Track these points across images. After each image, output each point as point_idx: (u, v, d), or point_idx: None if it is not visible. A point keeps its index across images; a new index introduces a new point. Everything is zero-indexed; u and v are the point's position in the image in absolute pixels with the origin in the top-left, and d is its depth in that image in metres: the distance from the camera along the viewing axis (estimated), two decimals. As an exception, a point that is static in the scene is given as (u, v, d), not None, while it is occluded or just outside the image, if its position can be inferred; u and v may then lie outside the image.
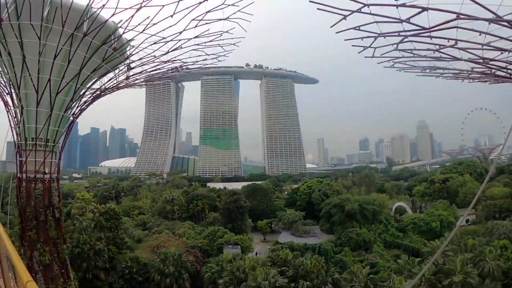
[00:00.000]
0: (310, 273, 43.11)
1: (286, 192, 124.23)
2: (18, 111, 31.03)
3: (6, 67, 30.12)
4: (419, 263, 42.89)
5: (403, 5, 19.22)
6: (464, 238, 48.42)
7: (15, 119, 31.59)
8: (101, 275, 47.97)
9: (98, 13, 28.26)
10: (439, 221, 67.18)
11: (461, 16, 18.75)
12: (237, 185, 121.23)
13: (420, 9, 19.07)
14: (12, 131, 31.87)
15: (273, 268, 44.90)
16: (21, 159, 31.19)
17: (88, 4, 27.16)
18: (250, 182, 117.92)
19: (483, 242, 48.09)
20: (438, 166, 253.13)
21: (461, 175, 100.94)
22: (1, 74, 31.81)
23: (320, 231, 73.77)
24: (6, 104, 32.23)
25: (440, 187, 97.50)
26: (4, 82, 31.77)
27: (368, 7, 20.53)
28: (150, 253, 52.97)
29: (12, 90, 31.13)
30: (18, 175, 31.41)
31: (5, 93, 32.11)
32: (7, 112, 32.12)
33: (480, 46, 23.27)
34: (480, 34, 21.09)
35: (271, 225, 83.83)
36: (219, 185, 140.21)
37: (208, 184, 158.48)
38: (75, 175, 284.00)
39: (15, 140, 31.85)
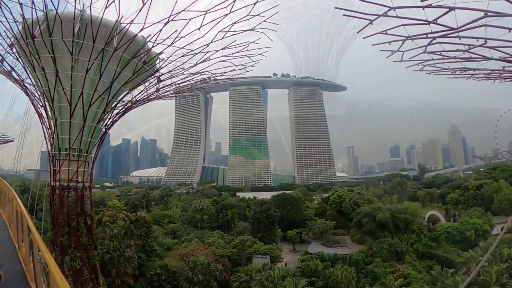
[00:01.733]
0: (340, 284, 42.42)
1: (316, 202, 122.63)
2: (52, 122, 32.07)
3: (40, 81, 31.19)
4: (453, 274, 41.25)
5: (430, 5, 18.72)
6: (500, 248, 45.97)
7: (49, 130, 32.65)
8: (130, 281, 48.85)
9: (127, 29, 28.96)
10: (473, 230, 64.11)
11: (489, 14, 18.08)
12: (267, 195, 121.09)
13: (447, 9, 18.53)
14: (46, 141, 32.98)
15: (303, 278, 44.54)
16: (54, 168, 32.17)
17: (117, 20, 27.78)
18: (279, 192, 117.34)
19: (519, 252, 45.62)
20: (471, 171, 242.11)
21: (496, 180, 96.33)
22: (35, 88, 33.05)
23: (350, 241, 72.52)
24: (40, 116, 33.41)
25: (474, 193, 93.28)
26: (39, 95, 32.95)
27: (394, 10, 20.13)
28: (179, 261, 53.49)
29: (46, 103, 32.25)
30: (52, 183, 32.40)
31: (39, 106, 33.28)
32: (42, 123, 33.30)
33: (510, 44, 22.30)
34: (509, 31, 20.20)
35: (301, 235, 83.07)
36: (249, 195, 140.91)
37: (237, 193, 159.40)
38: (107, 184, 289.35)
39: (49, 150, 32.91)
